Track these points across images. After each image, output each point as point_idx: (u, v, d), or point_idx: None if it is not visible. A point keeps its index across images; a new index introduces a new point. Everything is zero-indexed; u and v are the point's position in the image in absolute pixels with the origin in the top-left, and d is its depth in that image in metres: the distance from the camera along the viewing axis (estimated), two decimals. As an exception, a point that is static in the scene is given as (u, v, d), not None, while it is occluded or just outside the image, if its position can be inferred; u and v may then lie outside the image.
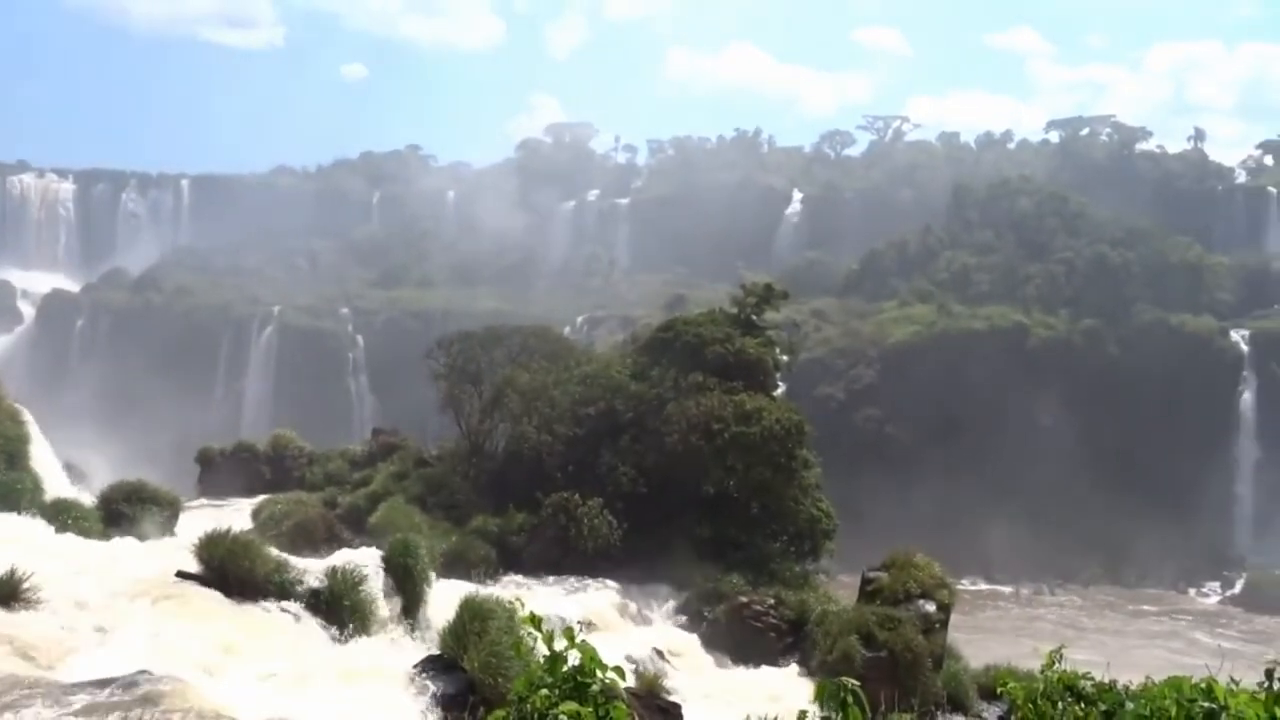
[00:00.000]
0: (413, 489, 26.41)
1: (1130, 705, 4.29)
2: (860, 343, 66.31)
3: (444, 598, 15.55)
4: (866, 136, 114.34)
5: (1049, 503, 57.08)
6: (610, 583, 22.78)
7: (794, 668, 19.75)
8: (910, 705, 16.29)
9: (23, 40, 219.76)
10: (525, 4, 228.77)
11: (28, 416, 23.57)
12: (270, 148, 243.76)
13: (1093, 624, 50.05)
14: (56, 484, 22.48)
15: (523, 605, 4.44)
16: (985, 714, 18.03)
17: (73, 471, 26.51)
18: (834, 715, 3.84)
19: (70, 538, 16.82)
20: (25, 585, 11.92)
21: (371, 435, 33.41)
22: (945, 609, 19.79)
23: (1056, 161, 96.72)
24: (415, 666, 12.24)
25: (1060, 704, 4.49)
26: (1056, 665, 4.69)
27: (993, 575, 56.62)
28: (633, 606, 22.39)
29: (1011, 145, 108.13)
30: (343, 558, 16.14)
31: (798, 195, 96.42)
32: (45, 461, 23.13)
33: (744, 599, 21.40)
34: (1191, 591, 57.70)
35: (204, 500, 29.08)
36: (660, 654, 18.98)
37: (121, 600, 13.10)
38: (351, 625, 14.18)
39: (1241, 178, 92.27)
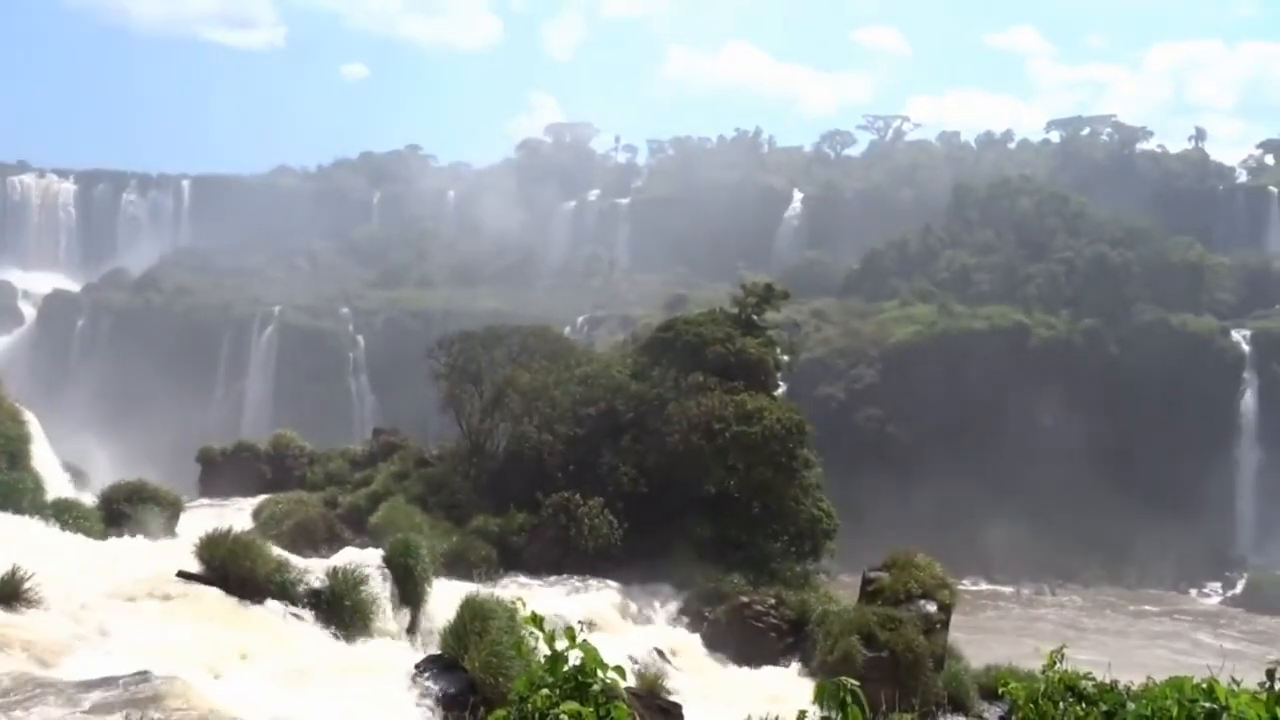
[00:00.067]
0: (413, 489, 26.43)
1: (1131, 705, 4.29)
2: (861, 343, 66.29)
3: (445, 598, 15.56)
4: (866, 136, 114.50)
5: (1050, 503, 57.05)
6: (611, 583, 22.80)
7: (795, 668, 19.76)
8: (911, 705, 16.29)
9: (23, 41, 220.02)
10: (523, 3, 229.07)
11: (29, 416, 23.61)
12: (271, 148, 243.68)
13: (1094, 624, 50.03)
14: (57, 484, 22.52)
15: (524, 605, 4.43)
16: (986, 714, 18.02)
17: (73, 471, 26.54)
18: (834, 715, 3.84)
19: (71, 537, 16.84)
20: (27, 585, 11.93)
21: (372, 435, 33.44)
22: (946, 609, 19.78)
23: (1057, 161, 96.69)
24: (416, 666, 12.25)
25: (1061, 704, 4.49)
26: (1058, 665, 4.68)
27: (994, 575, 56.60)
28: (633, 606, 22.40)
29: (1012, 145, 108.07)
30: (344, 558, 16.17)
31: (798, 195, 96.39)
32: (46, 461, 23.16)
33: (745, 599, 21.40)
34: (1193, 592, 57.66)
35: (205, 500, 29.10)
36: (661, 654, 19.00)
37: (123, 600, 13.12)
38: (352, 625, 14.20)
39: (1242, 177, 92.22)
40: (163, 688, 9.35)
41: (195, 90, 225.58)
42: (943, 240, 77.36)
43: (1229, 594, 56.90)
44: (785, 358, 30.48)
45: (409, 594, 16.03)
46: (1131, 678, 4.82)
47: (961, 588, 34.94)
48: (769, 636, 20.69)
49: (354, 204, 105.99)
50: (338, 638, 13.85)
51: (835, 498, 26.90)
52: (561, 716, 3.66)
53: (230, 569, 13.96)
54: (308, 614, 13.99)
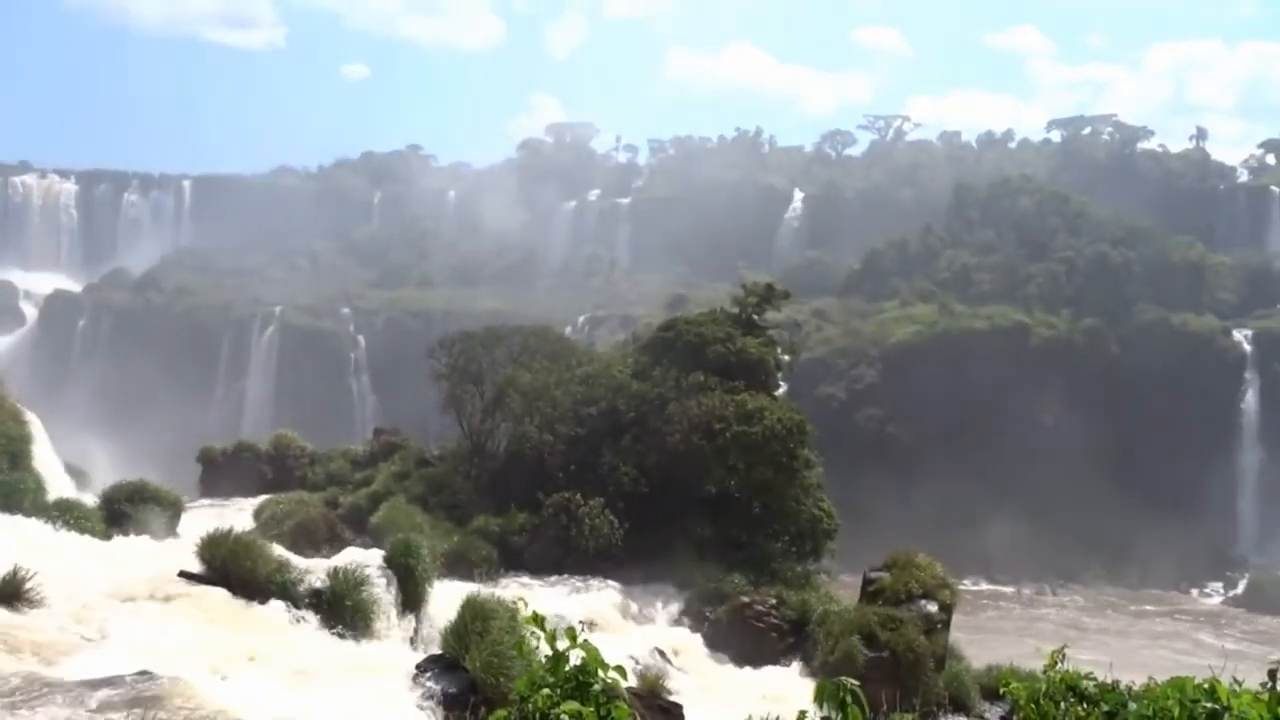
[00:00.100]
0: (414, 489, 26.44)
1: (1133, 706, 4.28)
2: (861, 342, 66.27)
3: (446, 598, 15.56)
4: (867, 136, 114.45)
5: (1051, 502, 57.02)
6: (612, 583, 22.80)
7: (796, 668, 19.75)
8: (912, 706, 16.29)
9: (24, 41, 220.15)
10: (525, 4, 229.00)
11: (30, 417, 23.62)
12: (271, 148, 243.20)
13: (1095, 624, 50.00)
14: (59, 484, 22.54)
15: (526, 605, 4.43)
16: (987, 714, 18.02)
17: (75, 472, 26.56)
18: (834, 715, 3.84)
19: (73, 537, 16.86)
20: (28, 585, 11.94)
21: (373, 435, 33.46)
22: (947, 609, 19.78)
23: (1058, 161, 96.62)
24: (417, 666, 12.25)
25: (1063, 704, 4.49)
26: (1059, 665, 4.68)
27: (994, 575, 56.58)
28: (634, 606, 22.40)
29: (1012, 144, 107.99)
30: (345, 558, 16.16)
31: (799, 195, 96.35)
32: (48, 462, 23.18)
33: (746, 599, 21.40)
34: (1194, 592, 57.62)
35: (206, 500, 29.12)
36: (662, 654, 19.00)
37: (125, 600, 13.13)
38: (354, 625, 14.19)
39: (1243, 177, 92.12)
40: (165, 688, 9.36)
41: (196, 90, 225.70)
42: (943, 240, 77.32)
43: (1230, 594, 56.86)
44: (786, 357, 30.49)
45: (410, 594, 16.03)
46: (1133, 678, 4.82)
47: (962, 588, 34.99)
48: (770, 637, 20.70)
49: (355, 204, 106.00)
50: (339, 638, 13.85)
51: (836, 498, 26.90)
52: (562, 716, 3.66)
53: (231, 569, 13.97)
54: (309, 614, 13.99)
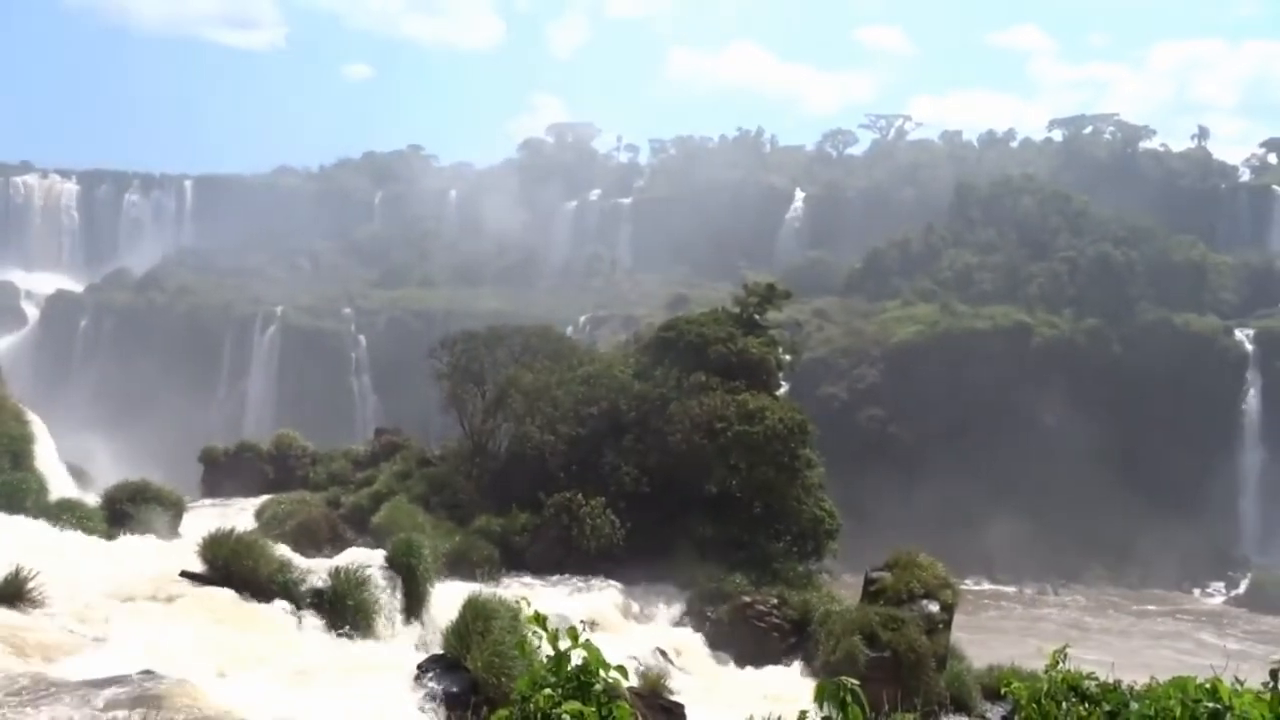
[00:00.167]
0: (416, 489, 26.46)
1: (1135, 706, 4.28)
2: (863, 342, 66.24)
3: (447, 597, 15.57)
4: (869, 135, 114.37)
5: (1052, 502, 56.98)
6: (613, 582, 22.82)
7: (797, 668, 19.75)
8: (913, 705, 16.28)
9: (25, 42, 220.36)
10: (526, 3, 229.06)
11: (32, 417, 23.64)
12: (273, 148, 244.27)
13: (1097, 624, 49.95)
14: (61, 484, 22.58)
15: (529, 604, 4.44)
16: (989, 714, 18.01)
17: (76, 472, 26.59)
18: (834, 715, 3.84)
19: (74, 537, 16.88)
20: (30, 585, 11.96)
21: (374, 435, 33.50)
22: (949, 609, 19.78)
23: (1059, 160, 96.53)
24: (419, 666, 12.25)
25: (1064, 704, 4.48)
26: (1060, 665, 4.67)
27: (996, 575, 56.54)
28: (636, 606, 22.41)
29: (1014, 144, 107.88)
30: (346, 558, 16.18)
31: (800, 194, 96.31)
32: (50, 462, 23.21)
33: (747, 599, 21.41)
34: (1196, 592, 57.56)
35: (207, 500, 29.16)
36: (663, 654, 19.01)
37: (126, 600, 13.14)
38: (355, 625, 14.21)
39: (1245, 176, 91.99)
40: (168, 688, 9.37)
41: (197, 90, 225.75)
42: (945, 239, 77.27)
43: (1232, 594, 56.79)
44: (787, 357, 30.49)
45: (411, 594, 16.05)
46: (1135, 678, 4.82)
47: (964, 588, 34.98)
48: (771, 636, 20.70)
49: (356, 204, 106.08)
50: (341, 638, 13.87)
51: (837, 497, 26.90)
52: (564, 716, 3.66)
53: (234, 569, 13.99)
54: (311, 614, 14.01)
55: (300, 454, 31.79)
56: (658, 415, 25.85)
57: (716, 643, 20.93)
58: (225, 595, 13.62)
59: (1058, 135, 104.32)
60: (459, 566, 21.07)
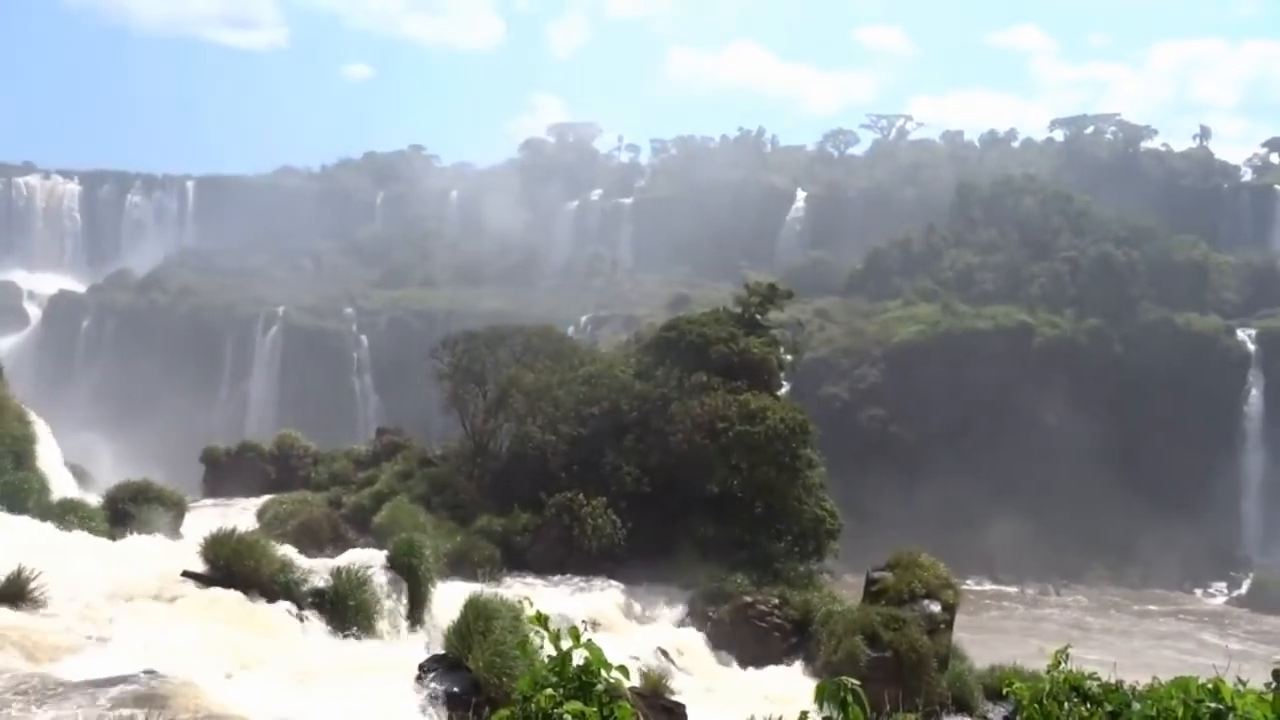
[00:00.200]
0: (417, 489, 26.47)
1: (1137, 706, 4.28)
2: (864, 342, 66.22)
3: (448, 597, 15.58)
4: (870, 135, 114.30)
5: (1054, 502, 56.94)
6: (614, 582, 22.82)
7: (799, 668, 19.76)
8: (915, 706, 16.27)
9: (26, 42, 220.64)
10: (526, 3, 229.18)
11: (34, 417, 23.66)
12: (274, 148, 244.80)
13: (1099, 624, 49.91)
14: (63, 484, 22.58)
15: (530, 604, 4.44)
16: (990, 715, 18.00)
17: (78, 472, 26.60)
18: (834, 715, 3.84)
19: (76, 537, 16.90)
20: (32, 585, 11.98)
21: (376, 435, 33.50)
22: (950, 609, 19.77)
23: (1061, 160, 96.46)
24: (421, 666, 12.26)
25: (1066, 704, 4.48)
26: (1062, 665, 4.67)
27: (998, 575, 56.50)
28: (637, 606, 22.40)
29: (1015, 144, 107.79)
30: (348, 558, 16.19)
31: (801, 194, 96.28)
32: (51, 462, 23.21)
33: (748, 599, 21.40)
34: (1198, 592, 57.49)
35: (209, 500, 29.16)
36: (665, 654, 19.00)
37: (127, 600, 13.15)
38: (357, 625, 14.23)
39: (1247, 176, 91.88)
40: (171, 688, 9.38)
41: (198, 91, 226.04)
42: (946, 239, 77.23)
43: (1234, 594, 56.72)
44: (789, 357, 30.49)
45: (413, 594, 16.06)
46: (1137, 678, 4.82)
47: (965, 588, 34.94)
48: (773, 636, 20.69)
49: (357, 204, 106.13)
50: (343, 638, 13.88)
51: (839, 497, 26.89)
52: (565, 716, 3.66)
53: (235, 569, 14.01)
54: (313, 614, 14.02)
55: (302, 454, 31.81)
56: (659, 415, 25.85)
57: (718, 643, 20.92)
58: (227, 595, 13.63)
59: (1059, 135, 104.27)
60: (460, 566, 21.08)
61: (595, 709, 3.69)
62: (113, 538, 18.12)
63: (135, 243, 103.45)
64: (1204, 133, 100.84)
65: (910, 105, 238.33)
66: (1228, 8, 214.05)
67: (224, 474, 31.43)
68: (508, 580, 21.76)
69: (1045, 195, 79.32)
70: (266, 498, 27.22)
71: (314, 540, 22.11)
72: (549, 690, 3.77)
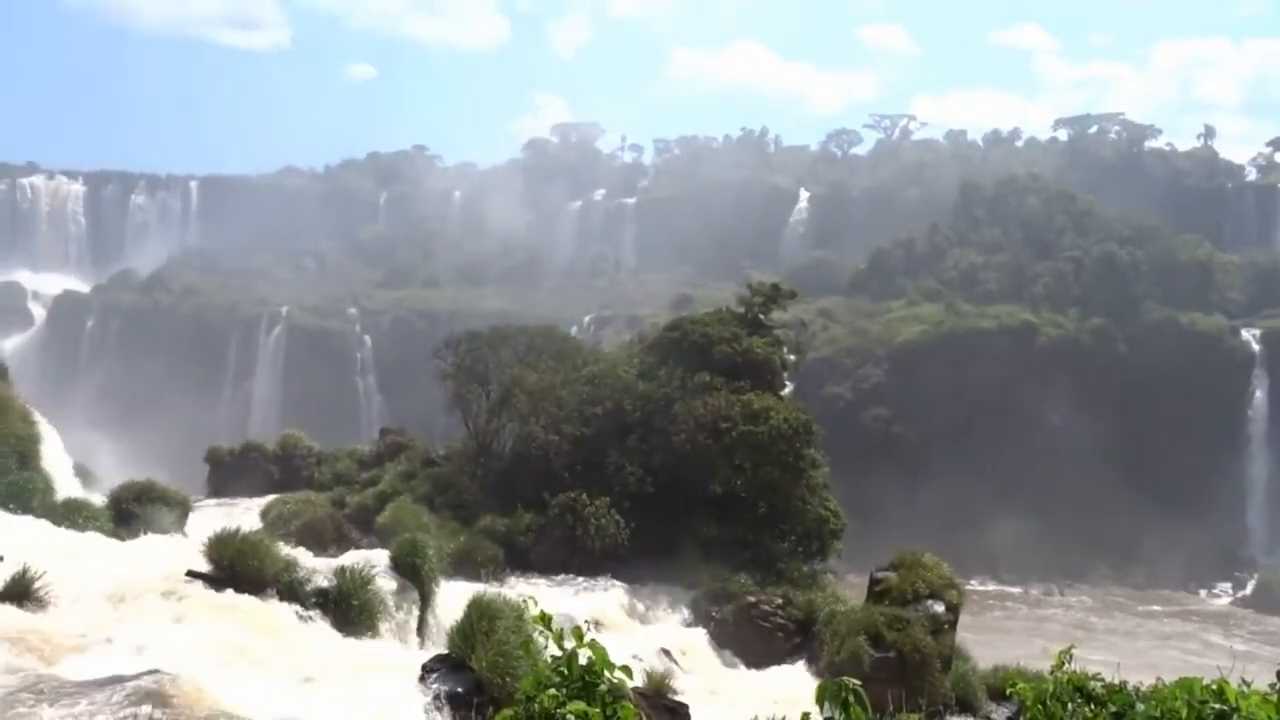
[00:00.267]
0: (420, 489, 26.50)
1: (1141, 707, 4.27)
2: (868, 342, 66.16)
3: (452, 597, 15.60)
4: (873, 135, 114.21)
5: (1058, 502, 56.85)
6: (618, 582, 22.82)
7: (802, 668, 19.75)
8: (918, 706, 16.22)
9: (27, 42, 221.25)
10: (528, 3, 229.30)
11: (39, 417, 23.72)
12: (277, 149, 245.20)
13: (1103, 624, 49.83)
14: (67, 484, 22.63)
15: (533, 604, 4.45)
16: (994, 715, 17.99)
17: (82, 471, 26.66)
18: (836, 715, 3.84)
19: (80, 536, 16.94)
20: (37, 584, 12.01)
21: (379, 435, 33.56)
22: (954, 609, 19.75)
23: (1064, 159, 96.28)
24: (424, 666, 12.26)
25: (1070, 705, 4.48)
26: (1066, 666, 4.66)
27: (1001, 575, 56.42)
28: (640, 606, 22.40)
29: (1019, 143, 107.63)
30: (351, 557, 16.22)
31: (804, 194, 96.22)
32: (56, 461, 23.27)
33: (752, 599, 21.39)
34: (1202, 592, 57.37)
35: (213, 500, 29.21)
36: (668, 654, 18.99)
37: (131, 599, 13.18)
38: (360, 625, 14.25)
39: (1251, 175, 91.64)
40: (175, 687, 9.40)
41: (201, 91, 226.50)
42: (950, 239, 77.13)
43: (1239, 594, 56.59)
44: (792, 357, 30.46)
45: (417, 594, 16.07)
46: (1141, 678, 4.81)
47: (969, 588, 34.79)
48: (776, 636, 20.68)
49: (360, 204, 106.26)
50: (346, 637, 13.90)
51: (842, 497, 26.86)
52: (569, 716, 3.67)
53: (239, 568, 14.04)
54: (316, 614, 14.05)
55: (305, 454, 31.85)
56: (662, 415, 25.85)
57: (721, 643, 20.91)
58: (231, 595, 13.66)
59: (1063, 135, 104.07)
60: (464, 566, 21.09)
61: (598, 709, 3.69)
62: (120, 538, 18.17)
63: (139, 243, 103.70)
64: (1208, 132, 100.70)
65: (913, 105, 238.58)
66: (1230, 7, 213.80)
67: (228, 474, 31.49)
68: (511, 580, 21.77)
69: (1049, 195, 79.18)
70: (270, 498, 27.27)
71: (318, 540, 22.14)
72: (552, 690, 3.77)
